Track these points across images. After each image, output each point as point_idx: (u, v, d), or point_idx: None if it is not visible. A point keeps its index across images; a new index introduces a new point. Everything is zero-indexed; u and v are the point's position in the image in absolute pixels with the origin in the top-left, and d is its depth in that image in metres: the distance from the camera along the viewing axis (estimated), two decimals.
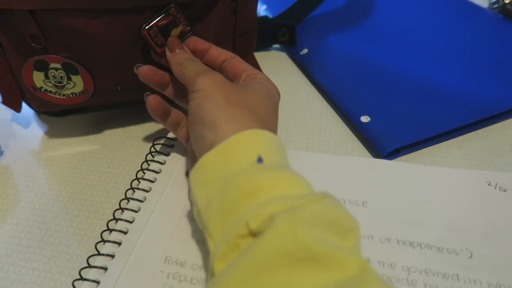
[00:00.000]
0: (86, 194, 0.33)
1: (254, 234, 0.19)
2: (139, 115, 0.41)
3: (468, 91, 0.39)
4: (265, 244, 0.18)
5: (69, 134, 0.39)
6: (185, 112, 0.32)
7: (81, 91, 0.33)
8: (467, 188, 0.31)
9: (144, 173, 0.33)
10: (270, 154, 0.23)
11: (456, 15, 0.52)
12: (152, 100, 0.29)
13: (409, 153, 0.35)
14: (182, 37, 0.31)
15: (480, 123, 0.37)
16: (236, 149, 0.23)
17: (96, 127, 0.40)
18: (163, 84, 0.32)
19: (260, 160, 0.23)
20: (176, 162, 0.34)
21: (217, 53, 0.31)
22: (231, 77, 0.30)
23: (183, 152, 0.35)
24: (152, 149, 0.35)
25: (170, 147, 0.36)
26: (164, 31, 0.30)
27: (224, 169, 0.23)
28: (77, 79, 0.31)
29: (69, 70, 0.31)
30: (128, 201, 0.31)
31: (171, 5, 0.29)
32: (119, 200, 0.32)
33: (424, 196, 0.30)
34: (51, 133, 0.40)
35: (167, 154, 0.35)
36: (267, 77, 0.30)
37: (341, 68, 0.44)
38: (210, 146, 0.24)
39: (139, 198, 0.31)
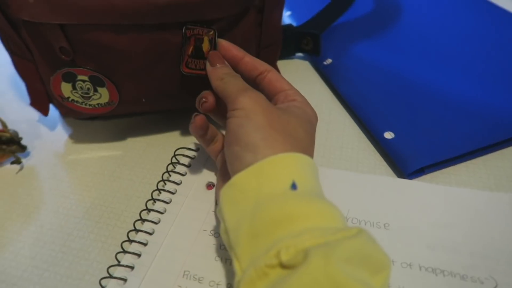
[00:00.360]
0: (108, 200, 0.34)
1: (284, 265, 0.19)
2: (162, 123, 0.41)
3: (497, 108, 0.38)
4: (299, 280, 0.18)
5: (93, 138, 0.40)
6: (218, 127, 0.32)
7: (106, 102, 0.33)
8: (494, 212, 0.30)
9: (165, 184, 0.34)
10: (304, 180, 0.23)
11: (487, 25, 0.50)
12: (199, 120, 0.29)
13: (433, 171, 0.34)
14: (213, 43, 0.30)
15: (509, 142, 0.36)
16: (271, 172, 0.23)
17: (119, 133, 0.40)
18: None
19: (294, 186, 0.22)
20: (197, 174, 0.34)
21: (253, 63, 0.30)
22: (267, 94, 0.29)
23: (203, 164, 0.35)
24: (174, 159, 0.36)
25: (191, 158, 0.36)
26: (196, 55, 0.30)
27: (256, 191, 0.23)
28: (103, 91, 0.32)
29: (96, 83, 0.31)
30: (149, 211, 0.31)
31: (184, 29, 0.29)
32: (140, 209, 0.32)
33: (449, 219, 0.30)
34: (75, 136, 0.41)
35: (188, 165, 0.35)
36: (306, 100, 0.29)
37: (366, 81, 0.43)
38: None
39: (159, 210, 0.31)
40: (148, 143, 0.39)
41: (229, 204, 0.24)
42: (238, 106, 0.25)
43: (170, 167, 0.35)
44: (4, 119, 0.38)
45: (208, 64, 0.29)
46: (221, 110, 0.31)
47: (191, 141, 0.39)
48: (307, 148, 0.26)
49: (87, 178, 0.36)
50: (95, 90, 0.32)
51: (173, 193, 0.33)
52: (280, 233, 0.21)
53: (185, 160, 0.36)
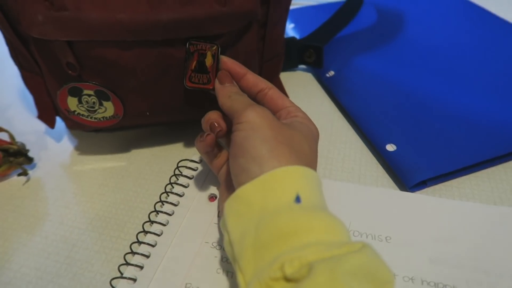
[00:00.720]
0: (111, 212, 0.34)
1: (288, 279, 0.19)
2: (165, 135, 0.41)
3: (501, 120, 0.38)
4: None
5: (97, 150, 0.41)
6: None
7: (111, 116, 0.34)
8: (498, 226, 0.30)
9: (168, 196, 0.34)
10: (308, 193, 0.23)
11: (491, 37, 0.50)
12: (209, 140, 0.29)
13: (436, 184, 0.34)
14: (216, 58, 0.31)
15: None
16: (275, 185, 0.23)
17: (124, 145, 0.41)
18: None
19: (298, 199, 0.23)
20: (199, 186, 0.35)
21: (254, 80, 0.31)
22: (270, 111, 0.30)
23: (206, 176, 0.36)
24: (177, 171, 0.36)
25: (194, 170, 0.36)
26: (200, 69, 0.31)
27: (261, 204, 0.23)
28: (108, 105, 0.33)
29: (101, 97, 0.32)
30: (152, 223, 0.32)
31: (188, 45, 0.30)
32: (143, 220, 0.32)
33: (452, 233, 0.29)
34: (81, 148, 0.41)
35: (191, 177, 0.35)
36: (308, 116, 0.30)
37: (368, 93, 0.43)
38: None
39: (162, 222, 0.31)
40: (152, 155, 0.40)
41: (233, 216, 0.24)
42: (244, 119, 0.26)
43: (173, 179, 0.36)
44: (11, 131, 0.39)
45: (217, 82, 0.30)
46: (227, 131, 0.32)
47: (193, 153, 0.39)
48: (311, 163, 0.27)
49: (91, 189, 0.36)
50: (101, 104, 0.33)
51: (175, 205, 0.33)
52: (284, 246, 0.21)
53: (188, 172, 0.36)
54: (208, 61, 0.31)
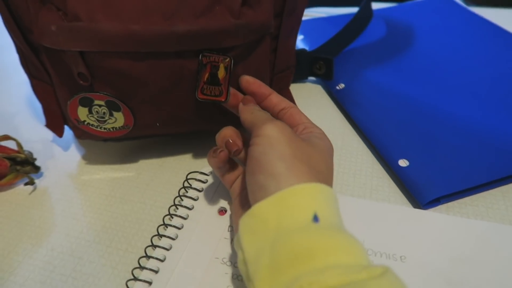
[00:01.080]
0: (119, 224, 0.33)
1: None
2: (174, 145, 0.41)
3: None
4: None
5: (105, 159, 0.40)
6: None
7: (121, 126, 0.33)
8: None
9: (177, 209, 0.33)
10: (327, 212, 0.23)
11: (504, 51, 0.50)
12: (223, 156, 0.29)
13: (449, 201, 0.33)
14: (229, 70, 0.31)
15: None
16: (292, 203, 0.23)
17: (132, 155, 0.41)
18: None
19: (316, 218, 0.22)
20: (209, 199, 0.34)
21: (277, 100, 0.32)
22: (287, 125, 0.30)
23: (216, 189, 0.35)
24: (186, 184, 0.36)
25: (203, 182, 0.36)
26: (212, 82, 0.31)
27: (277, 222, 0.22)
28: (119, 115, 0.32)
29: (112, 107, 0.32)
30: (160, 237, 0.31)
31: (201, 56, 0.30)
32: (151, 233, 0.32)
33: (468, 253, 0.29)
34: (88, 157, 0.41)
35: (200, 190, 0.35)
36: (324, 132, 0.30)
37: (379, 107, 0.42)
38: None
39: (171, 236, 0.31)
40: (160, 165, 0.39)
41: (248, 234, 0.23)
42: (262, 133, 0.26)
43: (182, 191, 0.35)
44: (18, 139, 0.38)
45: (241, 104, 0.31)
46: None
47: (202, 164, 0.39)
48: (328, 180, 0.26)
49: (99, 200, 0.36)
50: (111, 114, 0.32)
51: (185, 219, 0.32)
52: (302, 268, 0.20)
53: (197, 185, 0.35)
54: (221, 73, 0.30)
